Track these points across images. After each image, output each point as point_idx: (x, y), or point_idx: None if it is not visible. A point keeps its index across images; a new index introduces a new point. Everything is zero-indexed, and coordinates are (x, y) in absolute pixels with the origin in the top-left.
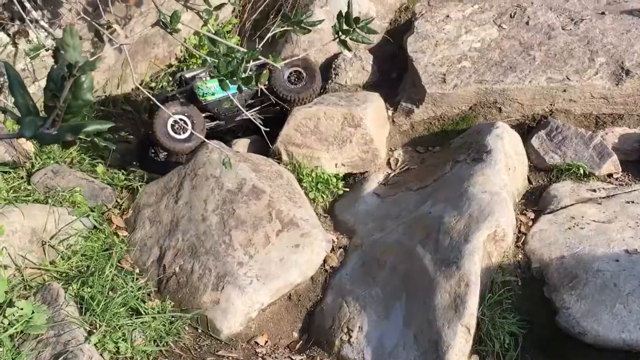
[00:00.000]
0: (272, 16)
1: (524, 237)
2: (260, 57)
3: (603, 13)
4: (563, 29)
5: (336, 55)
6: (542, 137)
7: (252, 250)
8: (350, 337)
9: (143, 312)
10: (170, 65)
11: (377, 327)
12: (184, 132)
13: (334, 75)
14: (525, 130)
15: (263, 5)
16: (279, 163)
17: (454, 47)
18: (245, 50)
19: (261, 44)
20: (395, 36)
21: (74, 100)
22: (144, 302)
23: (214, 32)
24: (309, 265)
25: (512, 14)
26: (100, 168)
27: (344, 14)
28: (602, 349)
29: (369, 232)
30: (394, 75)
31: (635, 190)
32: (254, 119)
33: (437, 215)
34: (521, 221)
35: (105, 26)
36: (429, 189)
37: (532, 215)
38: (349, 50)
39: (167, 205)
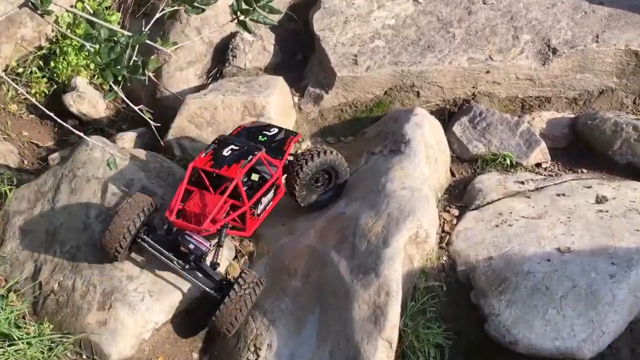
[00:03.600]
0: None
1: (448, 236)
2: (149, 42)
3: None
4: (484, 3)
5: (233, 35)
6: (465, 123)
7: (142, 262)
8: (258, 356)
9: (16, 338)
10: (40, 47)
11: (289, 344)
12: None
13: (231, 58)
14: (447, 116)
15: None
16: (171, 160)
17: (365, 24)
18: (131, 35)
19: (148, 27)
20: (300, 12)
21: None
22: (18, 327)
23: (92, 11)
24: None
25: None
26: None
27: None
28: (534, 358)
29: (276, 235)
30: (299, 57)
31: (565, 181)
32: (140, 110)
33: (352, 215)
34: (445, 219)
35: None
36: None
37: (456, 212)
38: (250, 32)
39: (42, 212)
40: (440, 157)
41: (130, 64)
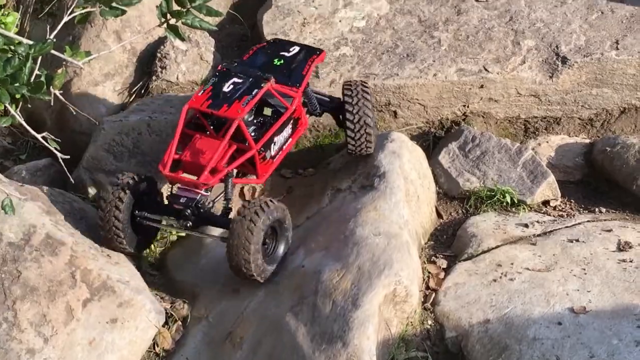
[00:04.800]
0: None
1: (434, 294)
2: (55, 52)
3: None
4: (477, 1)
5: (162, 40)
6: (454, 151)
7: (48, 331)
8: None
9: None
10: None
11: None
12: None
13: (159, 69)
14: (431, 142)
15: None
16: (83, 199)
17: (328, 27)
18: (32, 43)
19: (54, 33)
20: (246, 12)
21: None
22: None
23: None
24: (132, 348)
25: None
26: None
27: None
28: None
29: (218, 295)
30: None
31: (579, 223)
32: (43, 138)
33: (314, 269)
34: (430, 273)
35: None
36: (300, 230)
37: (444, 263)
38: (182, 39)
39: None
40: (423, 194)
41: (32, 80)
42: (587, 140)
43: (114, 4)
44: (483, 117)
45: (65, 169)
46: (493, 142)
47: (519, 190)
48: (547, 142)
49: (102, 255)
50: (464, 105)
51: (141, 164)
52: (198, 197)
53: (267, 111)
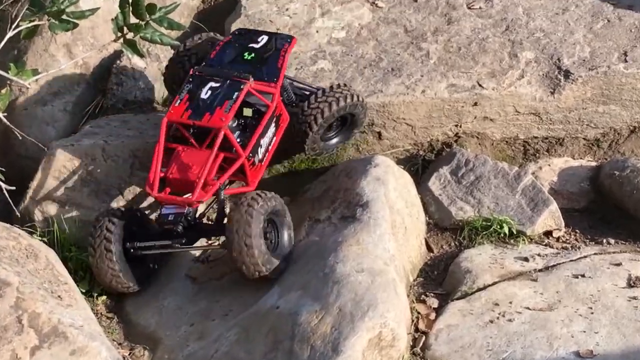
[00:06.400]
0: None
1: (424, 338)
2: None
3: None
4: (469, 8)
5: (118, 54)
6: (446, 176)
7: None
8: None
9: None
10: None
11: None
12: None
13: (115, 87)
14: (420, 166)
15: None
16: (31, 234)
17: (304, 39)
18: None
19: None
20: (212, 21)
21: None
22: None
23: None
24: None
25: None
26: None
27: (130, 1)
28: None
29: (182, 340)
30: None
31: (585, 256)
32: None
33: (290, 310)
34: (419, 313)
35: None
36: None
37: (434, 302)
38: (141, 56)
39: None
40: (411, 225)
41: None
42: (594, 163)
43: (64, 17)
44: (477, 137)
45: (10, 200)
46: (489, 166)
47: (517, 219)
48: (549, 165)
49: (53, 297)
50: (456, 125)
51: (95, 193)
52: (186, 211)
53: (248, 112)
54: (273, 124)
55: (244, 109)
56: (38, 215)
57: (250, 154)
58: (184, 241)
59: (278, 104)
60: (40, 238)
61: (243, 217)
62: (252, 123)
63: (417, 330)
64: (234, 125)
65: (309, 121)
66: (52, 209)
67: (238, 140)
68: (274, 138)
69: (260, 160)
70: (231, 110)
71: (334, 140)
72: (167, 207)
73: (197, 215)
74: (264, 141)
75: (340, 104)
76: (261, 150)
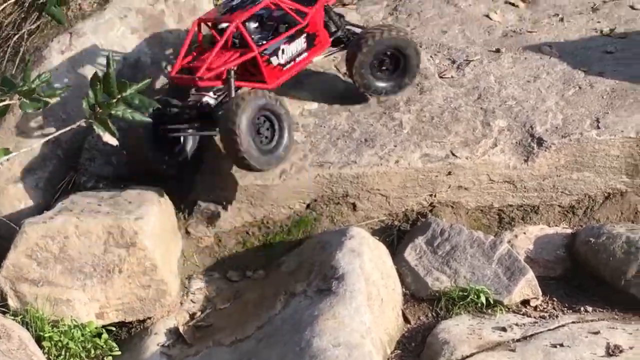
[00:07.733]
0: None
1: None
2: None
3: (498, 50)
4: (441, 77)
5: (90, 130)
6: (421, 247)
7: None
8: None
9: None
10: None
11: None
12: None
13: (87, 162)
14: (395, 236)
15: None
16: (4, 314)
17: None
18: None
19: None
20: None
21: None
22: None
23: None
24: None
25: None
26: None
27: (101, 78)
28: None
29: None
30: None
31: (563, 325)
32: None
33: None
34: None
35: None
36: (251, 342)
37: None
38: (113, 134)
39: None
40: (387, 297)
41: None
42: (569, 230)
43: (35, 95)
44: (452, 207)
45: None
46: (464, 235)
47: (494, 289)
48: (525, 233)
49: None
50: (431, 195)
51: (69, 270)
52: (204, 100)
53: (282, 28)
54: (304, 40)
55: (280, 26)
56: (11, 294)
57: (266, 52)
58: (196, 125)
59: (312, 23)
60: (13, 318)
61: (232, 106)
62: (279, 33)
63: None
64: (259, 30)
65: (360, 43)
66: (25, 287)
67: (258, 42)
68: (304, 54)
69: (282, 65)
70: (249, 10)
71: (385, 84)
72: (194, 95)
73: (213, 105)
74: (289, 48)
75: (392, 33)
76: (283, 56)
